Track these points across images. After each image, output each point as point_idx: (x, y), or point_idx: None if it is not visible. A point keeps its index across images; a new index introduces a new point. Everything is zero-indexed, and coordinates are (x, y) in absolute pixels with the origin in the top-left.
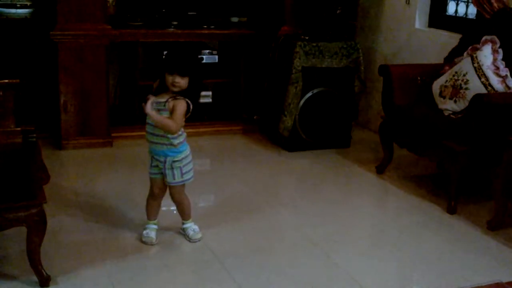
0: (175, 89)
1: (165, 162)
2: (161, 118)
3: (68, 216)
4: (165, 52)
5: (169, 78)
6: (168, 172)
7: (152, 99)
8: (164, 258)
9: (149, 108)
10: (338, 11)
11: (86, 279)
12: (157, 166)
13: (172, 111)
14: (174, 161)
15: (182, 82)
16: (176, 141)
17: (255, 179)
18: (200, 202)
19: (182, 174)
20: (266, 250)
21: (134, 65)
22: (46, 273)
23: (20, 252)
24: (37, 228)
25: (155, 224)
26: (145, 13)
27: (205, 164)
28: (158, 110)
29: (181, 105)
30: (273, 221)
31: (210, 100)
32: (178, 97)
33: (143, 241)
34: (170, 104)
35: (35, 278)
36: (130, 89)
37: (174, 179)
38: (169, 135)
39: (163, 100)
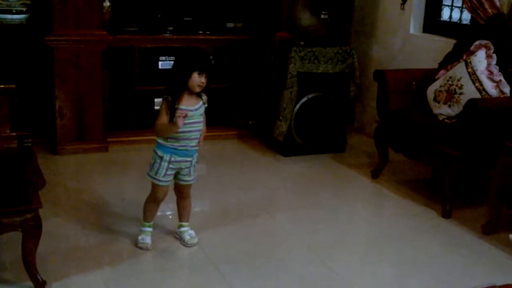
0: (199, 90)
1: (192, 161)
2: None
3: (63, 221)
4: (179, 55)
5: (197, 79)
6: (191, 169)
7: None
8: (160, 263)
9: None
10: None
11: (81, 284)
12: (173, 172)
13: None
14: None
15: (205, 82)
16: None
17: (250, 184)
18: (196, 207)
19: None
20: (262, 255)
21: (129, 70)
22: (41, 278)
23: (15, 257)
24: (32, 233)
25: (150, 226)
26: (140, 18)
27: (200, 169)
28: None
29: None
30: (268, 226)
31: (206, 105)
32: (201, 94)
33: (139, 247)
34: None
35: (30, 283)
36: (126, 94)
37: (194, 175)
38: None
39: (194, 106)
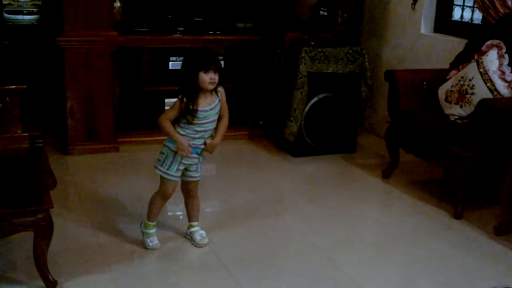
0: (212, 87)
1: (199, 157)
2: (223, 129)
3: (74, 221)
4: (183, 57)
5: (206, 77)
6: (199, 166)
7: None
8: (170, 263)
9: (218, 140)
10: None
11: (92, 284)
12: (183, 168)
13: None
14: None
15: (216, 77)
16: None
17: (260, 185)
18: (206, 208)
19: None
20: (272, 255)
21: (139, 71)
22: (52, 278)
23: (26, 257)
24: (44, 233)
25: (154, 227)
26: (151, 19)
27: (210, 169)
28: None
29: (224, 93)
30: (278, 226)
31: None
32: (217, 90)
33: (149, 249)
34: (222, 98)
35: (41, 283)
36: (136, 94)
37: (201, 171)
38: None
39: (210, 106)
